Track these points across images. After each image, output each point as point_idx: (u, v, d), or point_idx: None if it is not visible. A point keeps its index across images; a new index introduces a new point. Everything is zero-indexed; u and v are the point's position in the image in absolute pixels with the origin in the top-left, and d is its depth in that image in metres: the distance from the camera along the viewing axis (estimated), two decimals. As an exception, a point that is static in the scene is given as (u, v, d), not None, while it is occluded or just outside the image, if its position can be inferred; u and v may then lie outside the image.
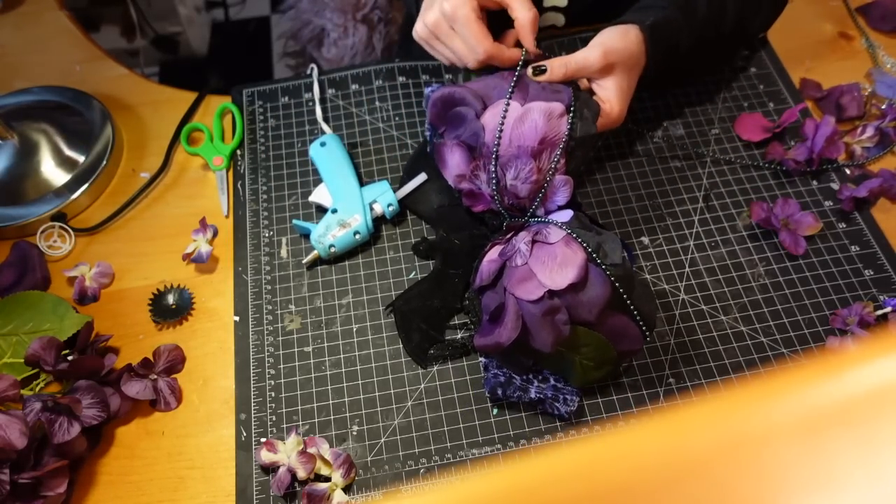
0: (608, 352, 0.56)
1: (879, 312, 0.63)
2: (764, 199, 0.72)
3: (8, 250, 0.70)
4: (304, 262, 0.68)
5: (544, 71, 0.62)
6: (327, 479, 0.57)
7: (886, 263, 0.67)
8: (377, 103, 0.80)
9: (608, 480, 0.17)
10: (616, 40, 0.64)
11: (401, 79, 0.81)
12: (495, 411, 0.61)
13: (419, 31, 0.67)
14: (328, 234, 0.67)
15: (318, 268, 0.69)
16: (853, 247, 0.68)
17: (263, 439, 0.60)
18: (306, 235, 0.70)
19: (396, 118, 0.79)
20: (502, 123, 0.60)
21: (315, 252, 0.68)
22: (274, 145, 0.78)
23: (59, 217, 0.72)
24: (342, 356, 0.64)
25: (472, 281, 0.61)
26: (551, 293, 0.54)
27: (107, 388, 0.60)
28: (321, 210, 0.71)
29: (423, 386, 0.62)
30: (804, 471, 0.16)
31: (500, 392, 0.59)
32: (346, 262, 0.69)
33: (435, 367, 0.63)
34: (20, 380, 0.58)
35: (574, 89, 0.62)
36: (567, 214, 0.59)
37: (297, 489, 0.57)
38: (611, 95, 0.64)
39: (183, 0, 1.78)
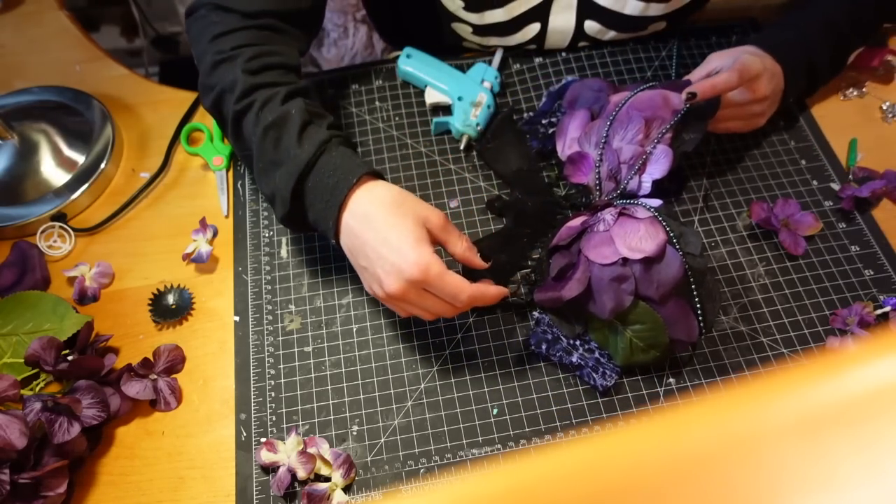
0: (661, 335, 0.57)
1: (879, 312, 0.63)
2: (764, 198, 0.72)
3: (8, 250, 0.70)
4: (461, 148, 0.75)
5: (695, 95, 0.64)
6: (327, 479, 0.57)
7: (886, 263, 0.67)
8: (377, 103, 0.80)
9: (608, 480, 0.17)
10: (747, 57, 0.67)
11: (401, 79, 0.81)
12: (495, 411, 0.61)
13: (379, 294, 0.55)
14: (470, 117, 0.75)
15: (318, 268, 0.69)
16: (853, 247, 0.68)
17: (263, 439, 0.59)
18: (447, 132, 0.77)
19: (396, 118, 0.79)
20: (626, 100, 0.65)
21: (466, 135, 0.75)
22: (274, 145, 0.78)
23: (59, 217, 0.72)
24: (342, 356, 0.64)
25: (549, 241, 0.63)
26: (624, 262, 0.56)
27: (107, 388, 0.60)
28: (441, 109, 0.79)
29: (423, 386, 0.62)
30: (804, 470, 0.16)
31: (543, 347, 0.60)
32: (346, 262, 0.69)
33: (435, 368, 0.63)
34: (20, 380, 0.58)
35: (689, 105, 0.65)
36: (657, 202, 0.60)
37: (297, 489, 0.57)
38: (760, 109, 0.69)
39: (183, 0, 1.78)
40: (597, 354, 0.61)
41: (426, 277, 0.52)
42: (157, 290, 0.68)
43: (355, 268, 0.58)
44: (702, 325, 0.58)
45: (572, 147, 0.67)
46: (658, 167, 0.63)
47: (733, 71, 0.64)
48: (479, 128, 0.75)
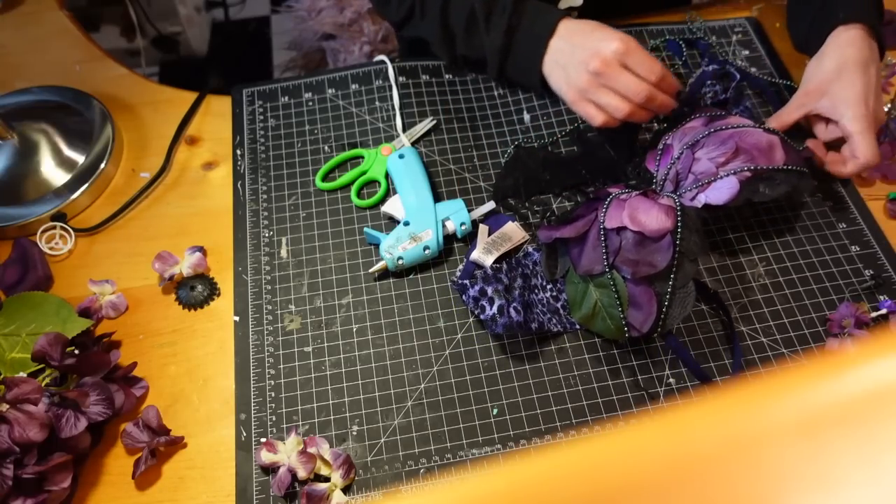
0: (617, 309, 0.58)
1: (874, 315, 0.63)
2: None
3: (9, 251, 0.70)
4: (371, 271, 0.67)
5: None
6: (327, 479, 0.57)
7: (886, 263, 0.67)
8: (377, 103, 0.80)
9: (608, 480, 0.17)
10: (810, 70, 0.69)
11: (401, 79, 0.81)
12: (495, 411, 0.61)
13: (578, 84, 0.66)
14: (398, 246, 0.66)
15: (318, 268, 0.69)
16: (853, 247, 0.68)
17: (263, 439, 0.60)
18: (375, 245, 0.69)
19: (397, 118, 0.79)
20: (740, 126, 0.64)
21: (383, 262, 0.66)
22: (274, 145, 0.78)
23: (59, 217, 0.72)
24: (342, 356, 0.64)
25: (594, 192, 0.68)
26: (619, 233, 0.59)
27: (111, 384, 0.60)
28: (394, 221, 0.70)
29: (423, 386, 0.62)
30: (804, 471, 0.16)
31: (476, 282, 0.62)
32: (347, 263, 0.69)
33: (435, 368, 0.63)
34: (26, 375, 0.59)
35: (800, 174, 0.64)
36: (689, 205, 0.61)
37: (297, 489, 0.57)
38: (855, 140, 0.66)
39: (183, 0, 1.78)
40: (559, 305, 0.64)
41: (627, 47, 0.64)
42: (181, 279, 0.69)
43: (553, 77, 0.70)
44: (660, 324, 0.59)
45: (671, 138, 0.67)
46: (718, 194, 0.62)
47: (874, 155, 0.65)
48: (400, 262, 0.66)
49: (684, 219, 0.58)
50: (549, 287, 0.64)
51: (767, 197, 0.63)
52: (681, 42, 0.83)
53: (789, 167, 0.63)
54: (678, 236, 0.58)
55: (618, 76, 0.64)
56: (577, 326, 0.63)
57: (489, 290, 0.61)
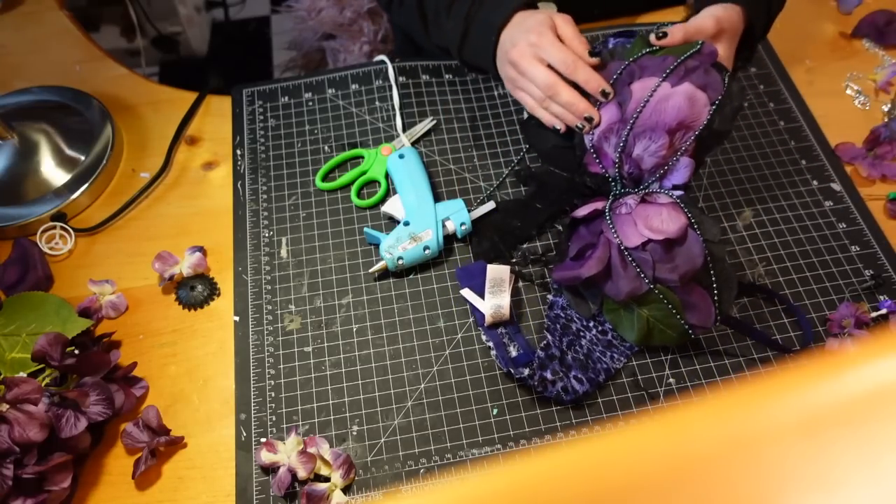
0: (678, 317, 0.58)
1: (874, 315, 0.63)
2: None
3: (9, 250, 0.70)
4: (371, 271, 0.67)
5: (666, 35, 0.64)
6: (327, 479, 0.57)
7: (886, 263, 0.67)
8: (377, 103, 0.80)
9: (608, 480, 0.17)
10: (722, 10, 0.67)
11: (401, 79, 0.81)
12: (495, 411, 0.61)
13: (507, 74, 0.67)
14: (398, 246, 0.66)
15: (318, 268, 0.69)
16: (853, 247, 0.68)
17: (263, 439, 0.60)
18: (375, 245, 0.69)
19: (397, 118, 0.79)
20: (650, 97, 0.61)
21: (383, 262, 0.66)
22: (274, 145, 0.78)
23: (59, 217, 0.72)
24: (342, 356, 0.64)
25: (569, 215, 0.65)
26: (644, 246, 0.57)
27: (111, 384, 0.60)
28: (394, 221, 0.70)
29: (423, 386, 0.62)
30: (804, 471, 0.16)
31: (558, 327, 0.62)
32: (346, 263, 0.69)
33: (435, 368, 0.63)
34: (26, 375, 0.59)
35: (727, 83, 0.62)
36: (678, 192, 0.61)
37: (297, 489, 0.57)
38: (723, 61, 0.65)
39: (183, 0, 1.78)
40: (609, 336, 0.63)
41: (538, 40, 0.63)
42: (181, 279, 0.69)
43: (502, 69, 0.69)
44: (717, 311, 0.59)
45: (598, 141, 0.64)
46: (679, 175, 0.62)
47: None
48: (400, 262, 0.66)
49: (690, 208, 0.59)
50: (591, 325, 0.63)
51: (725, 136, 0.63)
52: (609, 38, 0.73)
53: (714, 102, 0.60)
54: (695, 226, 0.58)
55: (528, 68, 0.64)
56: (636, 349, 0.63)
57: (548, 375, 0.60)
